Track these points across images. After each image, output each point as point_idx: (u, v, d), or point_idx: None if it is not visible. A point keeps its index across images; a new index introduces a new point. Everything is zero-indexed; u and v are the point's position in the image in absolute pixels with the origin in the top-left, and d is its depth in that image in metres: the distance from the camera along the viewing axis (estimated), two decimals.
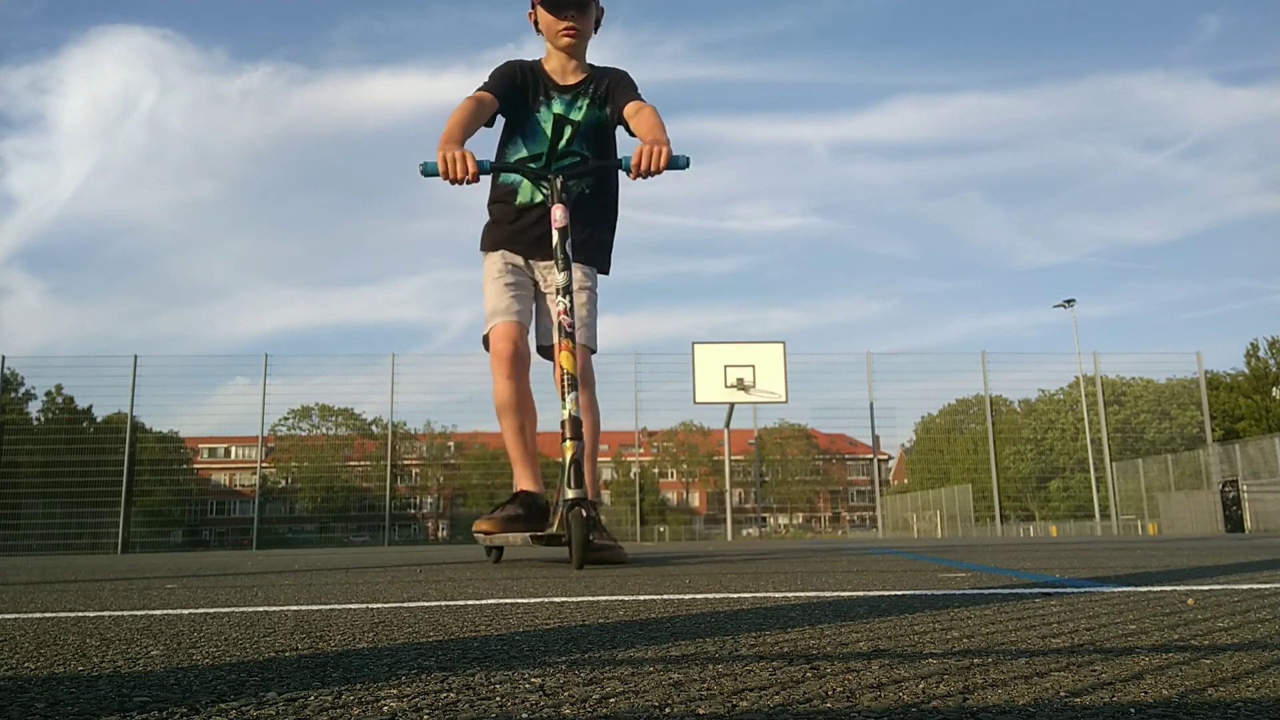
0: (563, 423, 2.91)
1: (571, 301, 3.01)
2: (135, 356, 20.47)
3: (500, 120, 3.51)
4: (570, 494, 2.82)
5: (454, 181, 3.00)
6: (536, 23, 3.51)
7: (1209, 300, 75.58)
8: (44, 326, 72.03)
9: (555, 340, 3.05)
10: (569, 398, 2.92)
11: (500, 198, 3.55)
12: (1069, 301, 29.07)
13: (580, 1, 3.42)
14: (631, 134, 3.37)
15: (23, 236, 75.06)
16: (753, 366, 17.91)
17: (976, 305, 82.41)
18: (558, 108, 3.48)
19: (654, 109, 3.33)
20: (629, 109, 3.37)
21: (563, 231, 3.06)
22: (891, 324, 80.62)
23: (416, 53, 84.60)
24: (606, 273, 3.63)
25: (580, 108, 3.49)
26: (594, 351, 3.51)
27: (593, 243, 3.53)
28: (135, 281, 76.95)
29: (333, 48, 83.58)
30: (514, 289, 3.45)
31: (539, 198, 3.43)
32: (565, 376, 2.95)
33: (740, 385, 17.81)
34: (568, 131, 3.47)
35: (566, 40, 3.45)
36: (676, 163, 3.06)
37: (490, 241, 3.56)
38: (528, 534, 3.17)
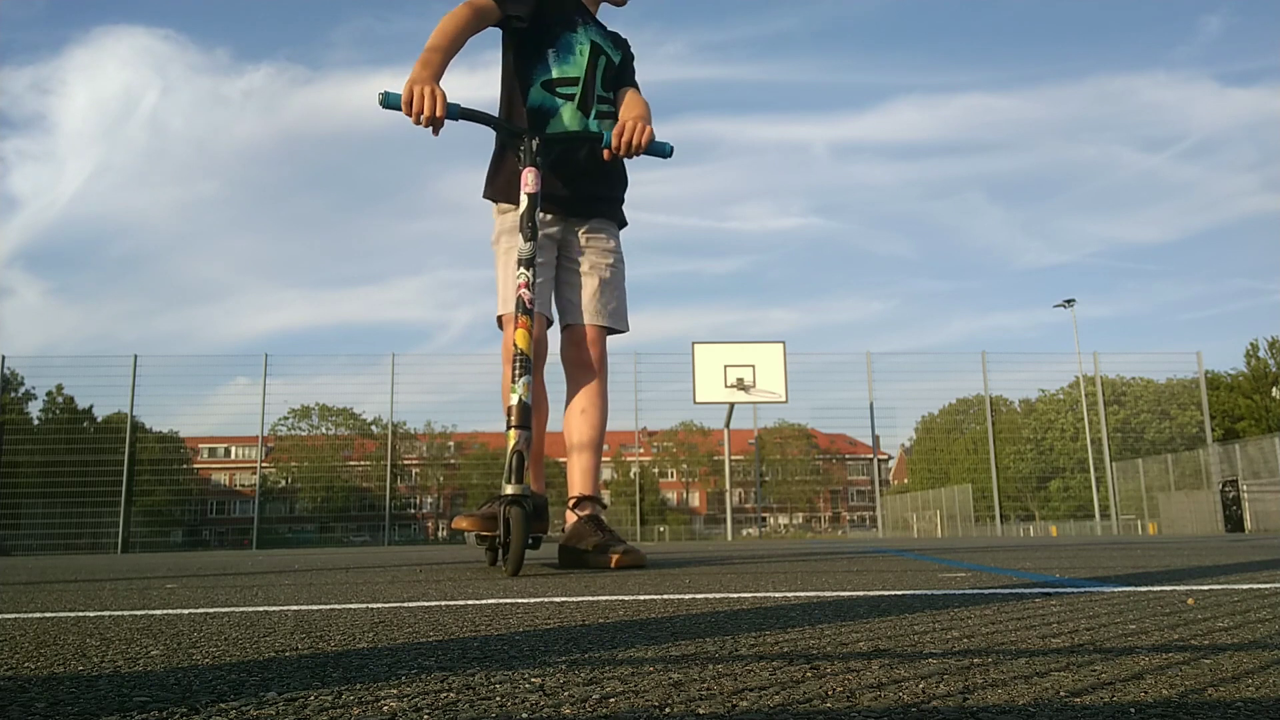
0: (509, 409, 2.54)
1: (534, 275, 2.64)
2: (135, 356, 20.51)
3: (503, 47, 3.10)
4: (509, 490, 2.43)
5: (416, 121, 2.55)
6: None
7: (1209, 300, 75.68)
8: (45, 326, 72.08)
9: (515, 316, 2.64)
10: (520, 381, 2.52)
11: (529, 123, 2.96)
12: (1069, 301, 29.07)
13: None
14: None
15: (24, 237, 75.16)
16: (753, 366, 17.91)
17: (977, 305, 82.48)
18: (594, 34, 3.08)
19: (642, 96, 3.08)
20: (623, 94, 3.08)
21: (533, 199, 2.68)
22: (892, 324, 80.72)
23: (418, 54, 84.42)
24: (625, 225, 3.25)
25: (614, 49, 3.13)
26: (623, 331, 3.10)
27: (616, 199, 3.17)
28: (136, 281, 77.02)
29: (334, 48, 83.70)
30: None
31: (585, 125, 2.96)
32: (519, 356, 2.55)
33: (740, 385, 17.81)
34: (602, 64, 3.05)
35: None
36: (661, 148, 2.83)
37: (506, 189, 2.98)
38: (473, 534, 2.83)
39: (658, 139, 2.85)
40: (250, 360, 22.49)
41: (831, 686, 0.81)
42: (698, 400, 18.00)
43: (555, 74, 2.97)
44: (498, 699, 0.78)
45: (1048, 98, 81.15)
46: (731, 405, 18.49)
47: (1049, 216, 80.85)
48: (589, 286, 3.02)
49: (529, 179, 2.70)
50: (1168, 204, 79.46)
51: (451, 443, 42.53)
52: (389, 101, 2.60)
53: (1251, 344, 39.67)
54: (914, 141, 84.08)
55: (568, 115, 2.97)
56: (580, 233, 3.06)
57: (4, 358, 21.12)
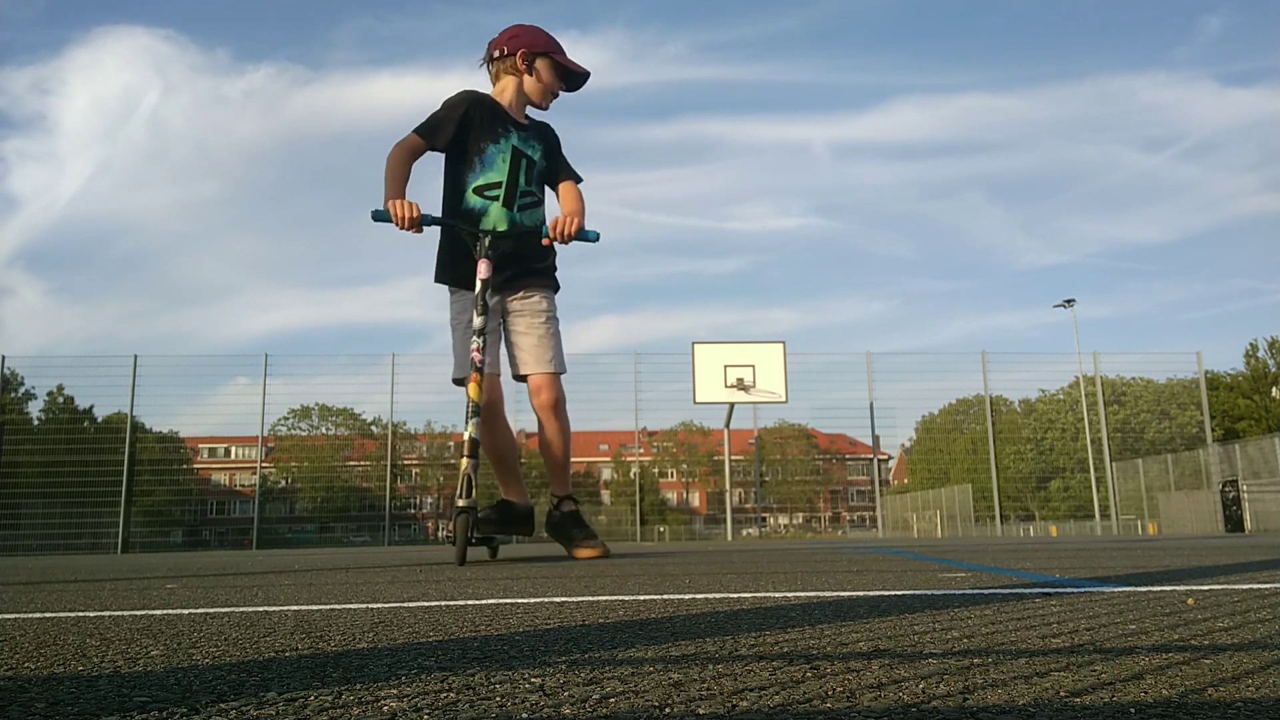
0: (462, 443, 3.37)
1: (485, 342, 3.43)
2: (135, 356, 20.48)
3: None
4: (460, 503, 3.28)
5: (402, 225, 3.39)
6: (526, 66, 3.76)
7: (1209, 300, 75.68)
8: (46, 327, 72.07)
9: (467, 373, 3.45)
10: (471, 422, 3.35)
11: (466, 221, 3.70)
12: (1069, 301, 29.05)
13: (577, 89, 3.87)
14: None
15: (25, 237, 75.14)
16: (753, 366, 17.89)
17: (977, 305, 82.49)
18: (515, 141, 3.76)
19: (578, 190, 3.83)
20: (562, 187, 3.83)
21: (485, 283, 3.46)
22: (892, 324, 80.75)
23: (418, 54, 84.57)
24: (557, 290, 3.94)
25: (535, 147, 3.81)
26: (562, 373, 3.83)
27: (550, 269, 3.86)
28: (137, 282, 77.03)
29: (334, 48, 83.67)
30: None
31: (504, 223, 3.67)
32: (470, 405, 3.36)
33: (740, 385, 17.79)
34: (524, 165, 3.76)
35: (547, 103, 3.83)
36: (586, 235, 3.57)
37: (451, 275, 3.77)
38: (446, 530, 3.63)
39: (588, 227, 3.61)
40: (250, 360, 22.41)
41: (831, 686, 0.81)
42: (698, 400, 17.98)
43: (482, 180, 3.70)
44: (498, 699, 0.78)
45: (1048, 98, 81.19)
46: (731, 405, 18.47)
47: (1049, 216, 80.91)
48: (528, 343, 3.75)
49: (483, 268, 3.46)
50: (1168, 204, 79.51)
51: (451, 443, 42.48)
52: (379, 216, 3.41)
53: (1251, 344, 39.68)
54: (914, 141, 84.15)
55: (494, 212, 3.69)
56: (514, 300, 3.77)
57: (4, 358, 21.11)
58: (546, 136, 3.87)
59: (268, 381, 21.10)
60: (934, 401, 46.80)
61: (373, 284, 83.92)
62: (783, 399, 18.03)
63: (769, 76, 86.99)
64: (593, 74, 3.86)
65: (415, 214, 3.40)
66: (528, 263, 3.72)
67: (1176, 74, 78.76)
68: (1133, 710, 0.71)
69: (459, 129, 3.67)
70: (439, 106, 3.72)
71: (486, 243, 3.50)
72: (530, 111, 3.89)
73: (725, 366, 17.87)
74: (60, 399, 31.13)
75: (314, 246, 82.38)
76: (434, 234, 3.78)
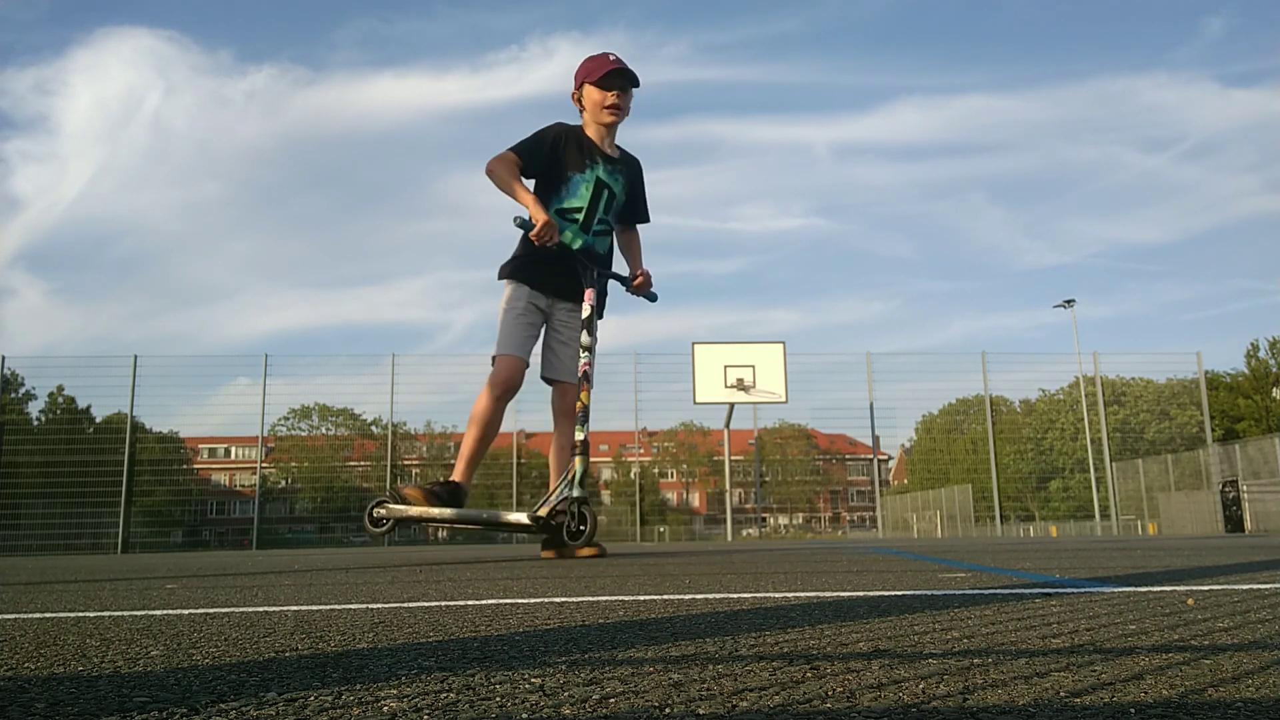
0: (575, 444, 3.81)
1: (593, 357, 3.84)
2: (135, 357, 20.47)
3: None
4: (577, 493, 3.70)
5: (539, 242, 3.69)
6: (581, 99, 4.02)
7: (1209, 301, 75.61)
8: (47, 327, 71.97)
9: (576, 382, 3.87)
10: (583, 427, 3.80)
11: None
12: (1069, 302, 29.06)
13: (624, 85, 3.94)
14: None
15: (27, 238, 74.98)
16: (753, 366, 17.89)
17: (977, 305, 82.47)
18: (601, 173, 4.02)
19: (639, 241, 4.25)
20: (627, 236, 4.21)
21: (593, 309, 3.88)
22: (892, 324, 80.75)
23: (420, 55, 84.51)
24: (601, 316, 4.24)
25: (618, 181, 4.07)
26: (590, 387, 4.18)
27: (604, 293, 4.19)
28: (138, 282, 76.97)
29: (337, 49, 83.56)
30: (529, 328, 3.97)
31: (578, 243, 3.97)
32: (581, 411, 3.81)
33: (740, 385, 17.79)
34: (605, 196, 4.03)
35: (610, 117, 3.96)
36: (652, 296, 4.14)
37: (519, 275, 4.03)
38: (509, 517, 3.91)
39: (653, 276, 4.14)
40: (251, 361, 22.37)
41: (831, 687, 0.81)
42: (698, 400, 17.98)
43: (566, 205, 3.99)
44: (498, 699, 0.78)
45: (1049, 99, 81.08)
46: (731, 405, 18.46)
47: (1050, 217, 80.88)
48: (566, 353, 4.02)
49: (590, 295, 3.91)
50: (1169, 205, 79.40)
51: (452, 443, 42.45)
52: (525, 224, 3.74)
53: (1252, 344, 39.68)
54: (915, 142, 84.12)
55: (570, 234, 3.97)
56: (561, 311, 4.07)
57: (4, 358, 21.11)
58: (632, 172, 4.14)
59: (268, 382, 21.11)
60: (934, 402, 46.66)
61: (373, 284, 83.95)
62: (783, 399, 18.02)
63: (770, 77, 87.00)
64: (616, 55, 3.97)
65: (556, 237, 3.74)
66: (581, 282, 4.00)
67: (1177, 75, 78.70)
68: (1133, 710, 0.71)
69: (548, 157, 3.95)
70: (531, 133, 3.96)
71: (594, 274, 3.91)
72: (627, 144, 4.18)
73: (725, 367, 17.86)
74: (60, 399, 31.11)
75: (315, 247, 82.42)
76: (504, 239, 4.08)
